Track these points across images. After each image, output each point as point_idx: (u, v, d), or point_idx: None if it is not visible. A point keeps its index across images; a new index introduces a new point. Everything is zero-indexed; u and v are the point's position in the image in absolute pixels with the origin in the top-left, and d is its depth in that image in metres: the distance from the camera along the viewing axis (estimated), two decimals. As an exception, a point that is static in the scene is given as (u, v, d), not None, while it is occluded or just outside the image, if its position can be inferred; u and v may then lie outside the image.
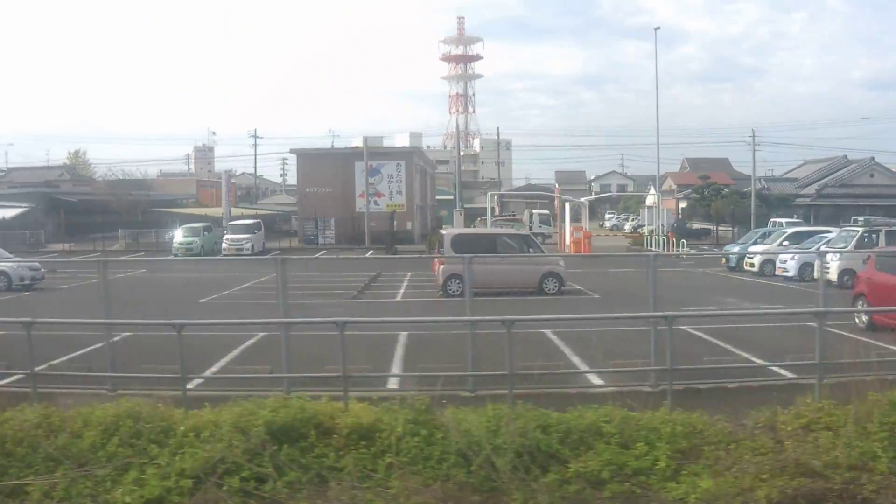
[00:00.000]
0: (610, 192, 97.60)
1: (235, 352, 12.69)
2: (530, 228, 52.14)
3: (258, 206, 70.52)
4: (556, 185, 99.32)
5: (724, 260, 30.03)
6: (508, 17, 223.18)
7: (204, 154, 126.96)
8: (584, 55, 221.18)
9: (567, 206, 39.36)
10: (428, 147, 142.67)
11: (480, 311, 10.96)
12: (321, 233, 50.72)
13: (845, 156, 64.88)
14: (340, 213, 50.72)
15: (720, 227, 53.17)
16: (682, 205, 62.54)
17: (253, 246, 38.90)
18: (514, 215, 59.66)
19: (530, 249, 22.37)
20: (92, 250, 47.31)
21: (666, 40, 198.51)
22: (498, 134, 52.60)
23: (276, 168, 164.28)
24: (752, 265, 27.02)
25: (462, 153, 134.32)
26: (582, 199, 43.01)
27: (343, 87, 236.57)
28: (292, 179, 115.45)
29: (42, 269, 25.30)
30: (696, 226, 56.02)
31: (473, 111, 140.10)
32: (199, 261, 32.08)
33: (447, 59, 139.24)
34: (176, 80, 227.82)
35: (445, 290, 21.05)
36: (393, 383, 10.11)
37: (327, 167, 51.76)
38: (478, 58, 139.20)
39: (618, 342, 12.53)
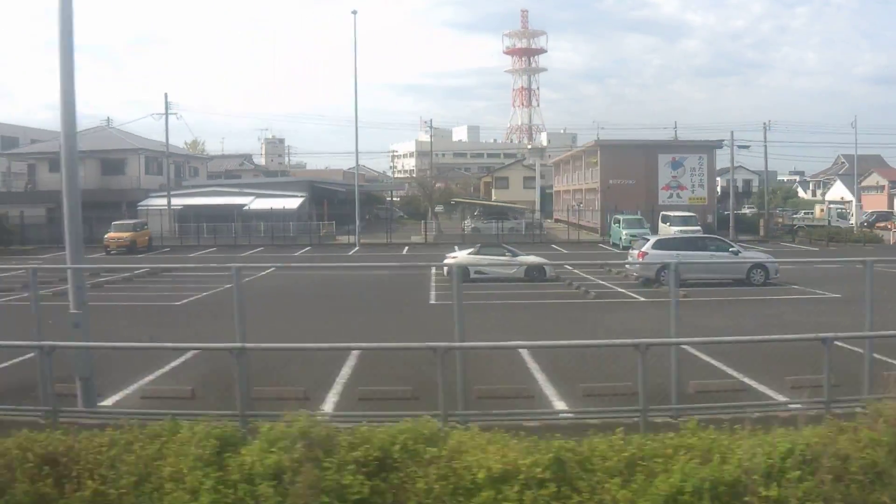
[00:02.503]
0: (737, 186, 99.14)
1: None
2: (829, 222, 52.69)
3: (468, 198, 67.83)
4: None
5: None
6: (511, 10, 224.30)
7: (274, 146, 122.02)
8: (588, 49, 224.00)
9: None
10: (494, 140, 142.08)
11: None
12: (626, 225, 49.56)
13: None
14: (642, 206, 49.72)
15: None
16: (903, 200, 64.15)
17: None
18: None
19: None
20: (394, 243, 44.54)
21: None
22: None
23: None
24: None
25: (529, 147, 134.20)
26: None
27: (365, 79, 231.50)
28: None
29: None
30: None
31: (538, 104, 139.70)
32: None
33: (511, 52, 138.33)
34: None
35: None
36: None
37: (630, 159, 50.67)
38: (542, 51, 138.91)
39: None
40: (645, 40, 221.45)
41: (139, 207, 49.86)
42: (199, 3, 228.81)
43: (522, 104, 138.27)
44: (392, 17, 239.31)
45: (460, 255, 24.09)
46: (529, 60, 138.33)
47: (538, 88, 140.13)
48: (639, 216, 41.62)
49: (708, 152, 51.53)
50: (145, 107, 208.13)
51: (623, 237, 37.06)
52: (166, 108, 48.34)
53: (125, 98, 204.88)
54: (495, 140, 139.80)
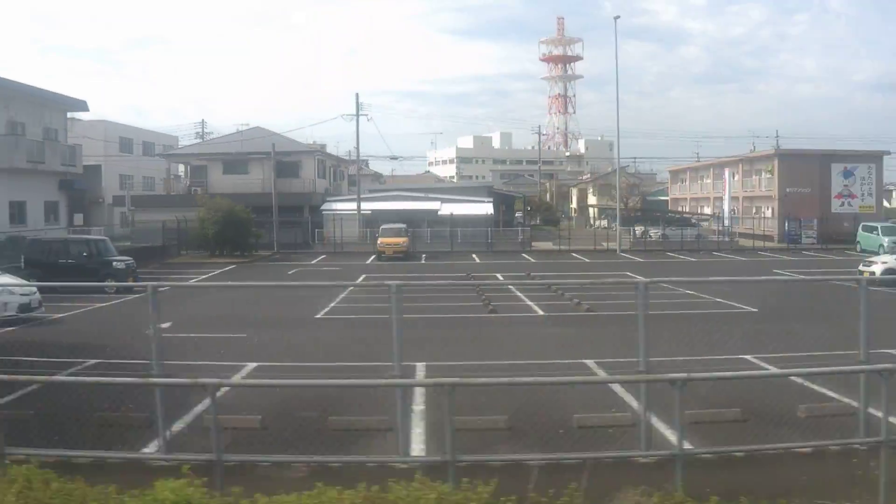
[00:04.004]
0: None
1: None
2: None
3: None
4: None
5: None
6: (508, 17, 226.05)
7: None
8: (586, 55, 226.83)
9: None
10: (533, 147, 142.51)
11: None
12: (804, 232, 50.67)
13: None
14: (816, 213, 51.01)
15: None
16: None
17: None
18: None
19: None
20: (597, 249, 44.19)
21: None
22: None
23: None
24: None
25: (567, 154, 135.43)
26: None
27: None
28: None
29: None
30: None
31: (574, 111, 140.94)
32: None
33: (547, 59, 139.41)
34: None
35: None
36: None
37: (804, 168, 51.84)
38: (578, 58, 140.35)
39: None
40: (644, 47, 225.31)
41: (323, 212, 48.73)
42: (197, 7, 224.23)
43: (559, 111, 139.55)
44: (391, 23, 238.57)
45: (889, 261, 24.45)
46: (565, 67, 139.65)
47: (574, 95, 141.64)
48: (892, 224, 42.62)
49: (877, 161, 53.04)
50: (140, 111, 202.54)
51: (885, 244, 37.97)
52: (357, 110, 47.43)
53: (125, 102, 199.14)
54: (533, 147, 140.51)
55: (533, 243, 48.18)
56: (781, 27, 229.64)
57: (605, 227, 65.21)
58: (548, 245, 47.80)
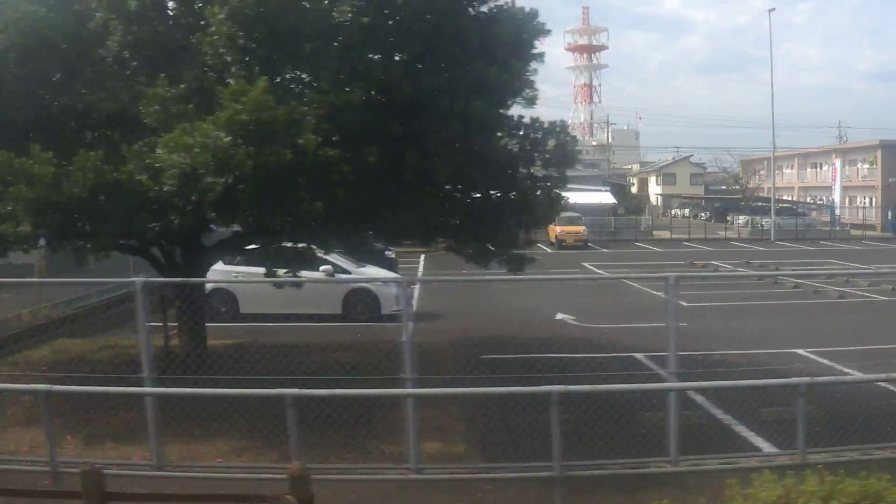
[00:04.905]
0: None
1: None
2: None
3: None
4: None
5: None
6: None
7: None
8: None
9: None
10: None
11: None
12: (905, 222, 52.15)
13: None
14: (917, 203, 52.65)
15: None
16: None
17: None
18: None
19: None
20: (721, 238, 44.55)
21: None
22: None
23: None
24: None
25: (594, 143, 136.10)
26: None
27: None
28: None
29: None
30: None
31: (600, 101, 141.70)
32: None
33: (572, 48, 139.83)
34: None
35: None
36: None
37: (905, 158, 53.38)
38: (603, 47, 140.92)
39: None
40: (647, 36, 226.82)
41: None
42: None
43: (584, 101, 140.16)
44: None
45: None
46: (591, 57, 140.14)
47: (600, 85, 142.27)
48: None
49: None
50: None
51: None
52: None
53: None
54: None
55: (655, 232, 48.93)
56: (785, 16, 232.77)
57: (685, 217, 66.01)
58: (666, 234, 48.41)
